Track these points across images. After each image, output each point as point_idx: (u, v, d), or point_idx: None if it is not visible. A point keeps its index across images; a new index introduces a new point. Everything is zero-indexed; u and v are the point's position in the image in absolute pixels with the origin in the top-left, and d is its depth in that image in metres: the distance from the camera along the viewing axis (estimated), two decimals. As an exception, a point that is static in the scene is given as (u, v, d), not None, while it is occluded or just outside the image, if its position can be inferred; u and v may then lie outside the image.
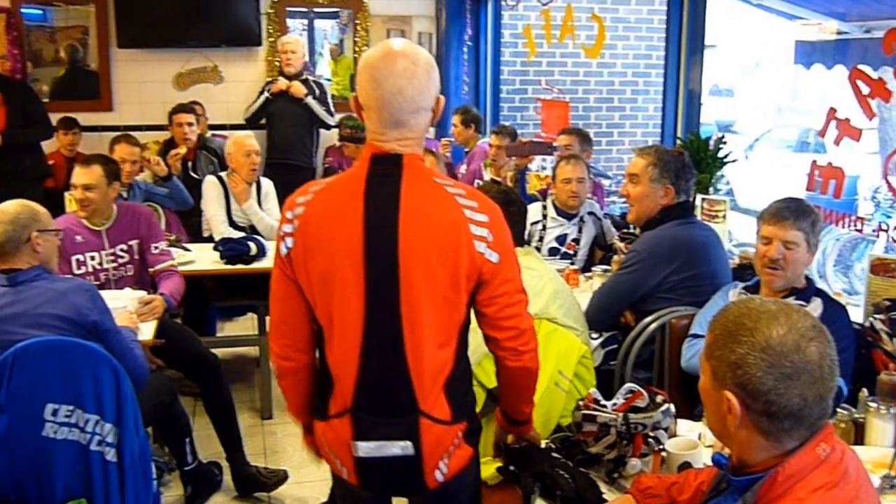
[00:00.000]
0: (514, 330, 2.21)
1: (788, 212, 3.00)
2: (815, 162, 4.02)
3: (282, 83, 7.32)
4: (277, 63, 7.62)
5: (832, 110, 3.86)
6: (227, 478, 4.20)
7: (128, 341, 3.30)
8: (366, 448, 2.15)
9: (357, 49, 8.10)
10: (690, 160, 3.79)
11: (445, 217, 2.10)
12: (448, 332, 2.15)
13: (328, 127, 7.48)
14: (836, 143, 3.88)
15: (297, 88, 7.28)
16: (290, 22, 8.10)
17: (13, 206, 3.23)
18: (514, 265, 2.21)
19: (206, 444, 4.32)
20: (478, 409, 2.44)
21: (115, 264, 4.27)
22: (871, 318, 3.21)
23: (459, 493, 2.33)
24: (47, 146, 7.34)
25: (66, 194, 4.77)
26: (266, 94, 7.38)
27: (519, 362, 2.24)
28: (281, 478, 4.17)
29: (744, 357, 1.58)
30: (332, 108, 7.52)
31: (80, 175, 4.19)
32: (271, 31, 7.92)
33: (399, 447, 2.14)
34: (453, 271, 2.09)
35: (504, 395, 2.40)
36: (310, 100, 7.31)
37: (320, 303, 2.16)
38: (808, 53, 4.95)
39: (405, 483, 2.23)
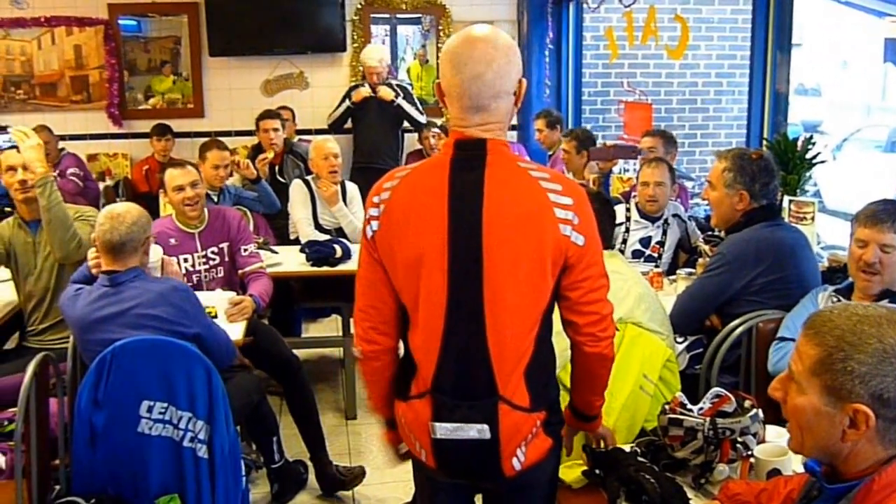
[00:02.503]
0: (596, 315, 2.20)
1: (886, 214, 2.93)
2: (907, 163, 3.93)
3: (364, 91, 7.43)
4: (361, 69, 7.71)
5: (926, 110, 3.76)
6: (313, 476, 4.27)
7: (215, 327, 3.42)
8: (443, 429, 2.16)
9: (440, 55, 8.15)
10: (772, 162, 3.69)
11: (529, 201, 2.10)
12: (532, 317, 2.15)
13: (420, 125, 7.55)
14: (931, 143, 3.78)
15: (385, 92, 7.39)
16: (373, 28, 8.21)
17: (132, 208, 3.36)
18: (599, 249, 2.21)
19: (293, 443, 4.38)
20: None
21: (206, 266, 4.37)
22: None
23: (536, 486, 2.32)
24: (142, 151, 7.58)
25: (162, 199, 4.89)
26: (348, 103, 7.49)
27: (597, 348, 2.23)
28: (357, 474, 4.21)
29: (877, 365, 1.51)
30: (419, 105, 7.62)
31: (182, 175, 4.30)
32: (356, 37, 8.03)
33: (476, 430, 2.14)
34: (539, 256, 2.09)
35: (577, 386, 2.39)
36: (400, 100, 7.42)
37: (405, 286, 2.19)
38: (900, 51, 4.83)
39: (482, 468, 2.22)
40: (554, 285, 2.16)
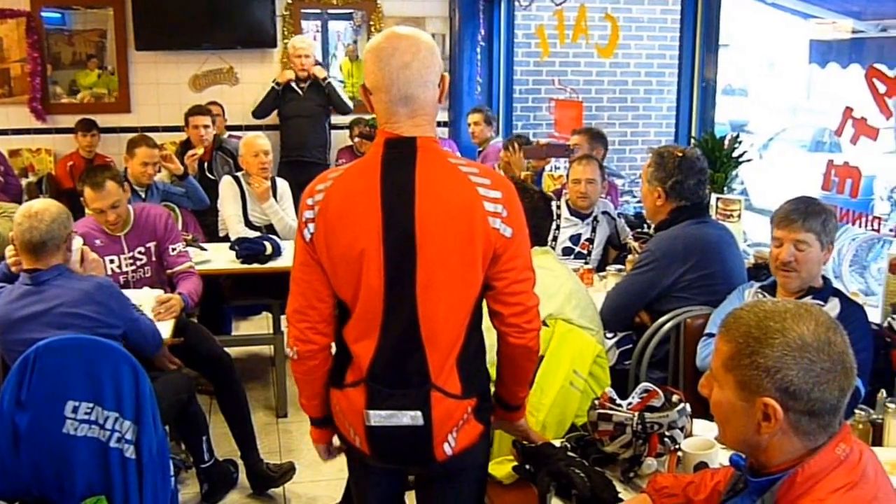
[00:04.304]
0: (520, 306, 2.25)
1: (797, 213, 3.01)
2: (830, 161, 4.01)
3: (289, 73, 7.43)
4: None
5: (848, 109, 3.84)
6: (243, 475, 4.24)
7: (143, 322, 3.35)
8: (377, 416, 2.21)
9: (363, 54, 8.12)
10: (696, 160, 3.73)
11: (460, 196, 2.15)
12: (463, 308, 2.21)
13: (348, 111, 7.59)
14: (853, 142, 3.86)
15: (319, 70, 7.42)
16: (304, 24, 8.13)
17: (51, 205, 3.27)
18: (526, 242, 2.26)
19: (223, 442, 4.35)
20: None
21: (133, 267, 4.29)
22: (889, 319, 3.20)
23: (467, 470, 2.37)
24: (66, 147, 7.42)
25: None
26: (273, 84, 7.45)
27: (522, 340, 2.28)
28: (287, 469, 4.20)
29: (781, 359, 1.56)
30: (346, 98, 7.65)
31: (101, 199, 4.13)
32: (286, 32, 7.96)
33: (409, 417, 2.19)
34: (469, 249, 2.15)
35: (502, 377, 2.42)
36: (332, 82, 7.47)
37: (343, 283, 2.23)
38: (823, 52, 4.94)
39: (415, 454, 2.27)
40: (484, 277, 2.21)
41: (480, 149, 7.17)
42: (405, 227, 2.14)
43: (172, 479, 3.29)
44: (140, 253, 4.32)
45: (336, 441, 2.53)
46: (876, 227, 3.87)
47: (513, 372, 2.39)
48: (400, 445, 2.25)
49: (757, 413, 1.59)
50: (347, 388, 2.27)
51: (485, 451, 2.44)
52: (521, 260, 2.23)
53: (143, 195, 5.39)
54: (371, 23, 8.12)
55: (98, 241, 4.19)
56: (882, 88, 3.66)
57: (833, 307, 2.97)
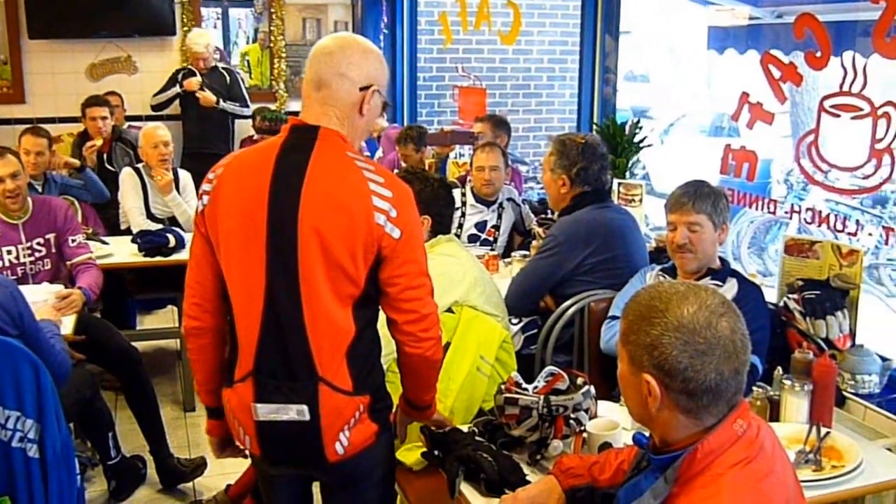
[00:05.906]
0: (414, 314, 2.21)
1: (686, 197, 3.10)
2: (728, 146, 4.09)
3: (195, 82, 7.26)
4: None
5: (745, 94, 3.93)
6: (152, 471, 4.19)
7: (48, 338, 3.24)
8: (265, 410, 2.17)
9: (273, 38, 8.02)
10: (597, 147, 3.79)
11: (347, 186, 2.13)
12: (343, 300, 2.15)
13: (245, 105, 7.48)
14: (749, 126, 3.94)
15: (207, 98, 7.23)
16: (204, 10, 7.99)
17: None
18: (419, 248, 2.23)
19: (130, 438, 4.28)
20: (396, 400, 2.45)
21: (32, 258, 4.19)
22: (785, 298, 3.29)
23: (365, 472, 2.32)
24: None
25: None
26: (178, 90, 7.30)
27: (418, 349, 2.24)
28: (198, 465, 4.17)
29: (658, 338, 1.62)
30: (247, 97, 7.51)
31: (2, 166, 4.07)
32: (185, 20, 7.80)
33: (295, 411, 2.15)
34: (350, 241, 2.10)
35: (404, 383, 2.41)
36: (223, 104, 7.31)
37: (226, 263, 2.20)
38: (721, 39, 5.03)
39: (304, 452, 2.22)
40: (367, 274, 2.16)
41: (376, 135, 7.20)
42: (289, 211, 2.11)
43: (78, 477, 3.23)
44: (39, 244, 4.22)
45: None
46: (773, 209, 3.97)
47: (413, 381, 2.38)
48: (288, 443, 2.21)
49: (643, 387, 1.66)
50: (237, 384, 2.22)
51: (385, 452, 2.38)
52: (415, 265, 2.19)
53: (40, 188, 5.27)
54: (272, 10, 8.02)
55: (-6, 231, 4.09)
56: (777, 74, 3.74)
57: (731, 287, 3.05)
